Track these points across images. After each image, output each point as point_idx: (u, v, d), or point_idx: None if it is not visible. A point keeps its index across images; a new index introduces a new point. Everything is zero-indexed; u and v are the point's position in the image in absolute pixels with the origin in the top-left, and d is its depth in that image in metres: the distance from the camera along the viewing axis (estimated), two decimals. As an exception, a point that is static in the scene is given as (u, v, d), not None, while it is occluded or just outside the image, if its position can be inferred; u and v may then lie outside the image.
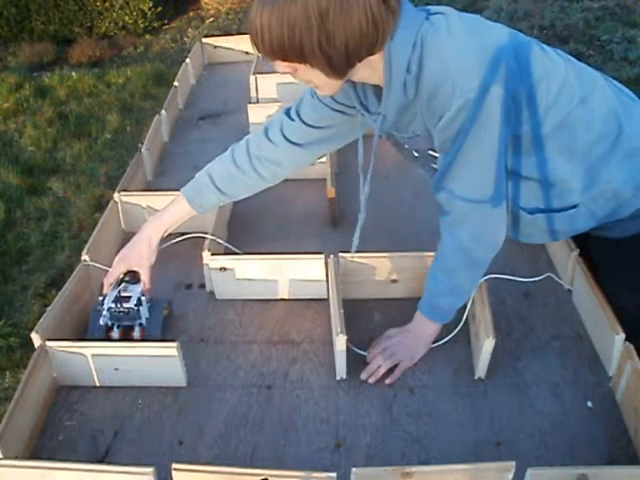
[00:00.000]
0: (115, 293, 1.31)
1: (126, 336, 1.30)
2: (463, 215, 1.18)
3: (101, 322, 1.30)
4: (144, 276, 1.34)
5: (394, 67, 1.07)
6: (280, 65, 1.07)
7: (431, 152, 1.20)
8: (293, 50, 1.02)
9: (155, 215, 1.39)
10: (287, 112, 1.33)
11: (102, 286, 1.35)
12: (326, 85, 1.11)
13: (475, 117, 1.05)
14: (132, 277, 1.34)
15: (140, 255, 1.34)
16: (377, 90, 1.16)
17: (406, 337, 1.28)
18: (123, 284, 1.33)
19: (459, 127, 1.07)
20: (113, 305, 1.29)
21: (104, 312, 1.30)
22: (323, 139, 1.33)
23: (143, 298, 1.32)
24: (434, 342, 1.29)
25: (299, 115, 1.31)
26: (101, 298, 1.32)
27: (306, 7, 0.98)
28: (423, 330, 1.28)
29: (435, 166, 1.22)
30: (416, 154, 1.26)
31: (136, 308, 1.30)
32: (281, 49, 1.03)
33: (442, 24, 1.06)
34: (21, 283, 2.78)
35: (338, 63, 1.04)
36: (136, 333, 1.30)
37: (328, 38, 1.00)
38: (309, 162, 1.41)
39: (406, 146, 1.26)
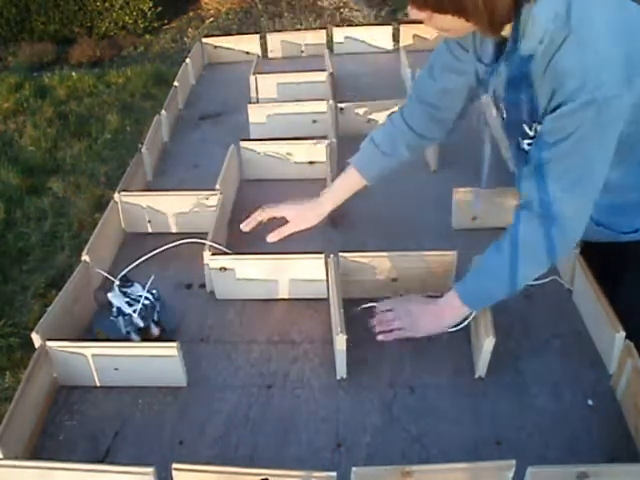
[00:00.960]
0: (120, 299, 1.31)
1: (147, 336, 1.30)
2: (545, 213, 1.11)
3: (140, 323, 1.29)
4: (289, 230, 1.45)
5: (528, 32, 0.99)
6: (415, 12, 0.99)
7: (525, 126, 1.14)
8: (453, 3, 0.93)
9: (329, 189, 1.48)
10: (420, 74, 1.39)
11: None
12: (461, 31, 1.03)
13: (598, 120, 0.99)
14: (125, 281, 1.35)
15: (304, 216, 1.46)
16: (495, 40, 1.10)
17: (424, 309, 1.25)
18: (121, 289, 1.33)
19: (578, 124, 1.00)
20: (141, 306, 1.29)
21: (134, 316, 1.29)
22: (453, 94, 1.33)
23: (150, 294, 1.33)
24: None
25: (431, 71, 1.33)
26: (115, 309, 1.31)
27: None
28: (445, 309, 1.25)
29: (526, 143, 1.16)
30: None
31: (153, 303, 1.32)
32: (437, 1, 0.94)
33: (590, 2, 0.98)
34: (21, 283, 2.78)
35: (500, 17, 0.96)
36: (154, 330, 1.30)
37: None
38: (450, 119, 1.39)
39: (498, 113, 1.21)
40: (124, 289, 1.34)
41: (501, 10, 0.94)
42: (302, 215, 1.47)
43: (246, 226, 1.49)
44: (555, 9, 0.97)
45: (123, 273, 1.36)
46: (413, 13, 1.00)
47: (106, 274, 1.44)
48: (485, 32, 1.01)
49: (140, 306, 1.29)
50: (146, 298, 1.32)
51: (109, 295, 1.34)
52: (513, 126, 1.18)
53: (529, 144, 1.16)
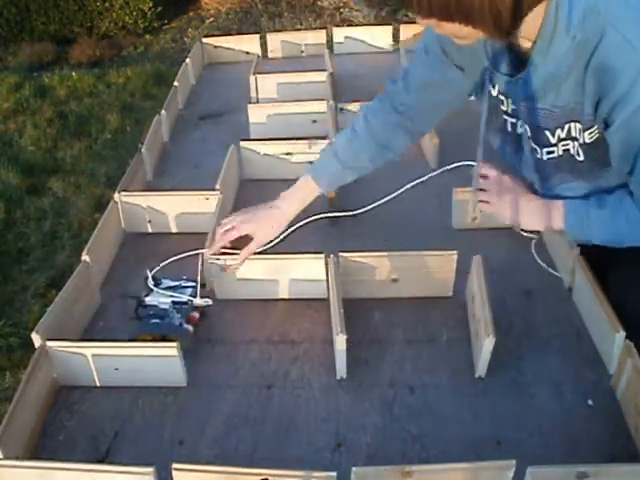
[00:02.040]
0: (166, 296, 1.36)
1: (192, 322, 1.34)
2: None
3: (209, 301, 1.35)
4: (252, 249, 1.36)
5: (559, 32, 0.96)
6: (421, 21, 0.97)
7: (548, 134, 1.11)
8: (459, 11, 0.90)
9: (286, 196, 1.40)
10: (394, 81, 1.31)
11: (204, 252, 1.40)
12: (471, 37, 0.98)
13: None
14: (155, 279, 1.41)
15: (266, 231, 1.36)
16: (509, 48, 1.08)
17: (526, 199, 1.19)
18: (160, 287, 1.39)
19: None
20: (198, 288, 1.36)
21: (195, 299, 1.35)
22: (430, 108, 1.30)
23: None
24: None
25: (407, 82, 1.28)
26: (168, 307, 1.34)
27: None
28: (544, 211, 1.18)
29: (545, 152, 1.13)
30: (522, 130, 1.15)
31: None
32: (443, 10, 0.91)
33: None
34: (21, 283, 2.78)
35: (505, 22, 0.93)
36: (195, 314, 1.35)
37: None
38: (421, 132, 1.37)
39: (513, 120, 1.16)
40: (163, 286, 1.39)
41: (507, 13, 0.91)
42: (264, 229, 1.37)
43: (211, 252, 1.38)
44: (582, 3, 0.94)
45: (155, 271, 1.44)
46: (420, 21, 0.98)
47: (151, 277, 1.43)
48: (494, 38, 0.99)
49: (198, 288, 1.36)
50: (191, 280, 1.39)
51: (148, 300, 1.36)
52: (535, 135, 1.14)
53: (549, 152, 1.14)
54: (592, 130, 1.05)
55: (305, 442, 1.12)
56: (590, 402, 1.17)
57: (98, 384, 1.24)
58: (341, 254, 1.37)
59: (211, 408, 1.19)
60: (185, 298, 1.36)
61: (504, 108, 1.17)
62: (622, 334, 1.16)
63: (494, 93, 1.16)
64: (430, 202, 1.67)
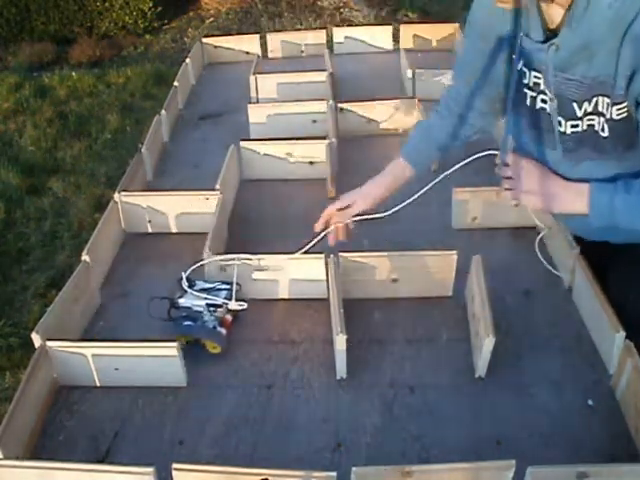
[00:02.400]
0: (200, 298, 1.35)
1: (226, 325, 1.33)
2: None
3: (243, 305, 1.35)
4: (356, 209, 1.41)
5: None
6: None
7: (575, 106, 1.09)
8: None
9: (381, 173, 1.45)
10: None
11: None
12: None
13: None
14: (189, 281, 1.39)
15: (364, 201, 1.42)
16: (540, 14, 1.06)
17: (553, 184, 1.17)
18: (195, 289, 1.37)
19: None
20: (234, 291, 1.35)
21: (231, 302, 1.34)
22: (482, 84, 1.31)
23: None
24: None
25: (455, 65, 1.38)
26: (202, 309, 1.33)
27: None
28: (569, 194, 1.16)
29: (570, 125, 1.12)
30: (547, 105, 1.14)
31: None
32: None
33: None
34: (21, 283, 2.78)
35: None
36: (229, 317, 1.34)
37: None
38: (492, 106, 1.37)
39: (533, 94, 1.16)
40: (197, 288, 1.37)
41: None
42: (362, 198, 1.43)
43: (318, 225, 1.44)
44: None
45: (188, 272, 1.41)
46: None
47: (184, 281, 1.41)
48: None
49: (233, 291, 1.35)
50: (226, 283, 1.38)
51: (181, 301, 1.35)
52: (561, 106, 1.12)
53: (573, 125, 1.12)
54: (621, 107, 1.03)
55: (305, 442, 1.12)
56: (590, 402, 1.17)
57: (98, 384, 1.24)
58: (341, 254, 1.37)
59: (211, 408, 1.19)
60: (220, 301, 1.34)
61: (525, 81, 1.16)
62: (622, 334, 1.16)
63: (518, 66, 1.15)
64: (430, 202, 1.67)
